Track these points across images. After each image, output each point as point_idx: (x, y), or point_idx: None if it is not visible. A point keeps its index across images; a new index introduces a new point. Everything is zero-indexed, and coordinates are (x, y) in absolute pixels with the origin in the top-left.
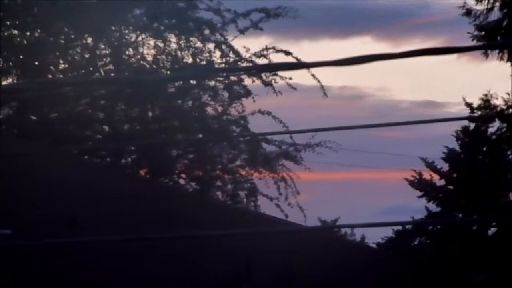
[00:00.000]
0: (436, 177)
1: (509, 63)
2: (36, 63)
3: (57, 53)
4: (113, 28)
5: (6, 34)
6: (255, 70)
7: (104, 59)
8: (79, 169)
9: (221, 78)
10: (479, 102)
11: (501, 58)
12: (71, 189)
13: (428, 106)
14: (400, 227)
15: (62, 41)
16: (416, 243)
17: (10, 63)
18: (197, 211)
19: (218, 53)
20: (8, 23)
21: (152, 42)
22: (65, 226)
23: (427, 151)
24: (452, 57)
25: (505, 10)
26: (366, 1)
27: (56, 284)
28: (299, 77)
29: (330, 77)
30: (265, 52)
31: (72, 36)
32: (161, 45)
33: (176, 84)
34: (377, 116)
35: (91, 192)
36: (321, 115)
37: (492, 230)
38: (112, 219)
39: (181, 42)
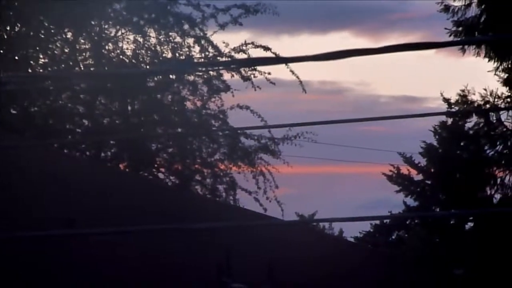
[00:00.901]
0: (414, 172)
1: (486, 59)
2: (16, 57)
3: (37, 48)
4: (93, 22)
5: None
6: (234, 65)
7: (84, 54)
8: (59, 163)
9: (201, 73)
10: (457, 97)
11: (478, 54)
12: (52, 182)
13: (407, 101)
14: (378, 222)
15: (42, 36)
16: (394, 237)
17: None
18: (177, 204)
19: (197, 48)
20: None
21: (132, 37)
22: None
23: (406, 145)
24: (431, 52)
25: (483, 6)
26: None
27: (42, 277)
28: (279, 72)
29: (309, 71)
30: (244, 47)
31: (52, 31)
32: (141, 40)
33: (155, 78)
34: (356, 111)
35: (72, 186)
36: (300, 109)
37: (469, 225)
38: (92, 213)
39: (160, 37)
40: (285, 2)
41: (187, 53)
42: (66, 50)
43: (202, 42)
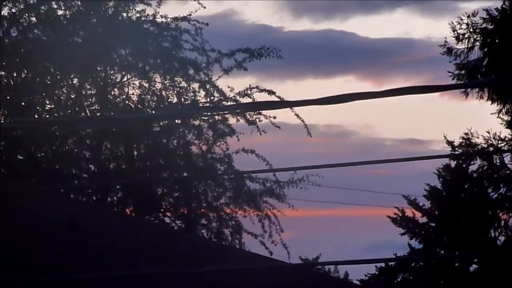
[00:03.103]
0: (418, 214)
1: (489, 102)
2: (23, 103)
3: (43, 93)
4: (98, 68)
5: None
6: (239, 109)
7: (90, 99)
8: (66, 207)
9: (206, 117)
10: (460, 140)
11: (481, 97)
12: (58, 226)
13: (412, 144)
14: (383, 264)
15: (48, 81)
16: (399, 279)
17: None
18: (183, 248)
19: (202, 93)
20: None
21: (137, 82)
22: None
23: (410, 188)
24: (435, 95)
25: (485, 49)
26: (349, 39)
27: None
28: (284, 115)
29: (315, 115)
30: (249, 92)
31: (58, 77)
32: (146, 85)
33: (161, 123)
34: (361, 154)
35: (78, 230)
36: (305, 153)
37: (474, 266)
38: (99, 256)
39: (166, 82)
40: (290, 46)
41: (192, 97)
42: (72, 96)
43: (207, 86)
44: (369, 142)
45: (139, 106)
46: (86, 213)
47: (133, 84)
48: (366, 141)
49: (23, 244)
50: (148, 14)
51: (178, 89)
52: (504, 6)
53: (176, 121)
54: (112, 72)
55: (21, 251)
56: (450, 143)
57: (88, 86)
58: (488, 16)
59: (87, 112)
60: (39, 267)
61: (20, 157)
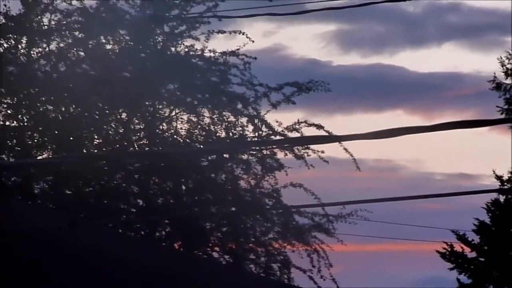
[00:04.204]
0: (467, 249)
1: None
2: (71, 138)
3: (92, 128)
4: (147, 102)
5: (41, 109)
6: (287, 144)
7: (138, 134)
8: (114, 243)
9: (254, 152)
10: (509, 175)
11: None
12: (108, 262)
13: (461, 178)
14: None
15: (97, 116)
16: None
17: (45, 138)
18: (232, 283)
19: (251, 127)
20: (43, 98)
21: (185, 117)
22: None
23: (459, 222)
24: (484, 129)
25: None
26: (398, 74)
27: None
28: (332, 150)
29: (364, 149)
30: (297, 126)
31: (107, 111)
32: (195, 119)
33: (209, 157)
34: (410, 188)
35: (127, 265)
36: (354, 187)
37: None
38: None
39: (214, 116)
40: (338, 80)
41: (241, 132)
42: (120, 130)
43: (256, 121)
44: (418, 176)
45: (187, 140)
46: (134, 248)
47: (181, 118)
48: (416, 175)
49: (71, 277)
50: (196, 49)
51: (226, 123)
52: None
53: (224, 155)
54: (160, 106)
55: (69, 285)
56: (499, 177)
57: (136, 121)
58: None
59: (135, 146)
60: None
61: (68, 192)
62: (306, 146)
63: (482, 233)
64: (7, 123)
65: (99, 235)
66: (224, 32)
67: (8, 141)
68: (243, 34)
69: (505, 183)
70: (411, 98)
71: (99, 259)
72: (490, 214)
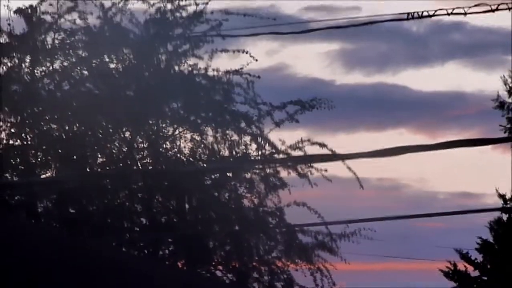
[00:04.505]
0: (470, 268)
1: None
2: (75, 156)
3: (95, 147)
4: (150, 121)
5: (45, 128)
6: (291, 162)
7: (142, 152)
8: (117, 261)
9: (257, 170)
10: None
11: None
12: (111, 280)
13: (464, 197)
14: None
15: (100, 135)
16: None
17: (49, 157)
18: None
19: (254, 146)
20: (47, 117)
21: (189, 135)
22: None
23: (462, 241)
24: (487, 148)
25: None
26: (401, 92)
27: None
28: (335, 168)
29: (367, 168)
30: (300, 145)
31: (110, 130)
32: (198, 138)
33: (212, 176)
34: (414, 207)
35: (131, 284)
36: (358, 206)
37: None
38: None
39: (217, 135)
40: (341, 99)
41: (244, 150)
42: (124, 149)
43: (259, 139)
44: (422, 195)
45: (190, 159)
46: (138, 266)
47: (185, 137)
48: (419, 194)
49: None
50: (200, 68)
51: (229, 142)
52: None
53: (228, 174)
54: (164, 125)
55: None
56: (501, 196)
57: (140, 139)
58: None
59: (139, 165)
60: None
61: (72, 211)
62: (309, 164)
63: (485, 251)
64: (11, 141)
65: (103, 254)
66: (228, 51)
67: (12, 160)
68: (246, 53)
69: (508, 202)
70: (414, 116)
71: (103, 277)
72: (493, 233)
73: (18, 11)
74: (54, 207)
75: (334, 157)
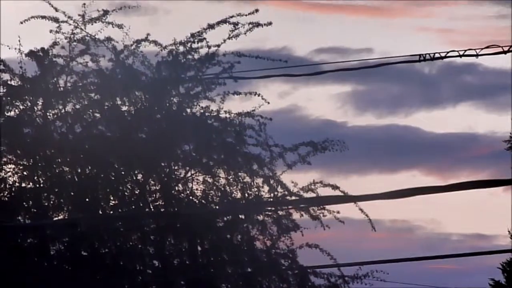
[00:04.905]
0: None
1: None
2: (87, 199)
3: (108, 189)
4: (162, 164)
5: (57, 170)
6: (303, 204)
7: (154, 195)
8: None
9: (270, 213)
10: None
11: None
12: None
13: (477, 239)
14: None
15: (113, 177)
16: None
17: (61, 199)
18: None
19: (266, 188)
20: (59, 160)
21: (201, 178)
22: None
23: (475, 283)
24: (499, 189)
25: None
26: (414, 134)
27: None
28: (348, 210)
29: (379, 210)
30: (312, 187)
31: (123, 172)
32: (210, 180)
33: (225, 218)
34: (427, 249)
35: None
36: (370, 248)
37: None
38: None
39: (229, 177)
40: (354, 141)
41: (256, 193)
42: (136, 191)
43: (271, 181)
44: (435, 237)
45: (203, 201)
46: None
47: (197, 179)
48: (432, 235)
49: None
50: (212, 110)
51: (242, 184)
52: None
53: (240, 216)
54: (176, 167)
55: None
56: None
57: (152, 182)
58: None
59: (151, 207)
60: None
61: (84, 253)
62: (321, 206)
63: None
64: (23, 184)
65: None
66: (240, 93)
67: (25, 203)
68: (258, 95)
69: None
70: (427, 158)
71: None
72: (505, 274)
73: (30, 54)
74: (66, 250)
75: (346, 198)
